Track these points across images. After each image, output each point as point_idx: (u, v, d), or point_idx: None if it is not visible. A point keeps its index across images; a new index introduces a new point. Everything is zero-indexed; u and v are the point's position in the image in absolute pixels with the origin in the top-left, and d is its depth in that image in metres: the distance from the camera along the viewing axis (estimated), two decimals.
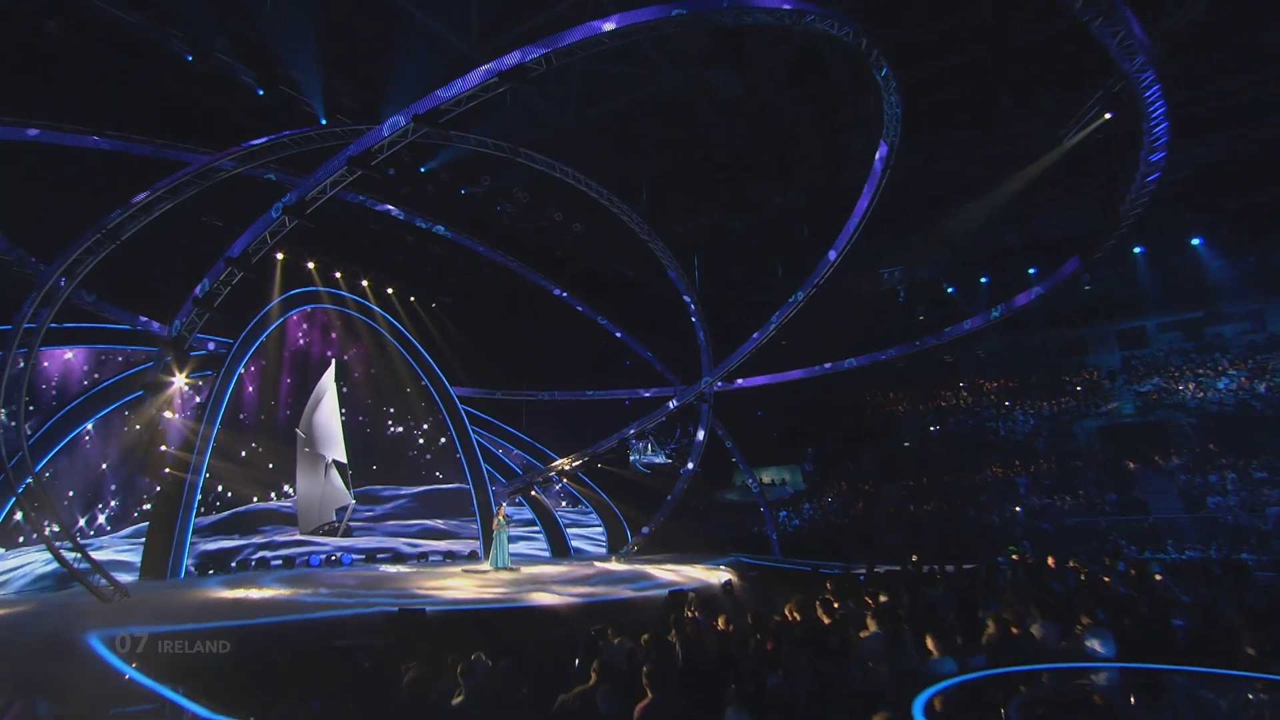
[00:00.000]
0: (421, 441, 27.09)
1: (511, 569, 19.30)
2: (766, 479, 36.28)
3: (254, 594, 14.70)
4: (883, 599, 11.64)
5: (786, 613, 11.58)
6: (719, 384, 25.69)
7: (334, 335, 25.37)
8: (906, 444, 35.59)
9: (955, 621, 9.78)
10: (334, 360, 24.60)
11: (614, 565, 20.79)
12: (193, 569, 19.12)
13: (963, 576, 15.09)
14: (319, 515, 23.66)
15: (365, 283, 25.55)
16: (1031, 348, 36.07)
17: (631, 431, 25.55)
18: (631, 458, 34.17)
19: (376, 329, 25.79)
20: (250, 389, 22.79)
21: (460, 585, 16.12)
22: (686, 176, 24.39)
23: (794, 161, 24.03)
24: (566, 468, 26.08)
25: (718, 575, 18.82)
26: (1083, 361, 34.70)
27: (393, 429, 26.54)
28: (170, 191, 12.30)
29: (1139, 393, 30.60)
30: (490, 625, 12.89)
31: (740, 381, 26.22)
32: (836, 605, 11.27)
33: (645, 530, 26.25)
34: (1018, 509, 27.60)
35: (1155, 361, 32.11)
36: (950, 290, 29.40)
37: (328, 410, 24.24)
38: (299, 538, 23.63)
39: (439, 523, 26.25)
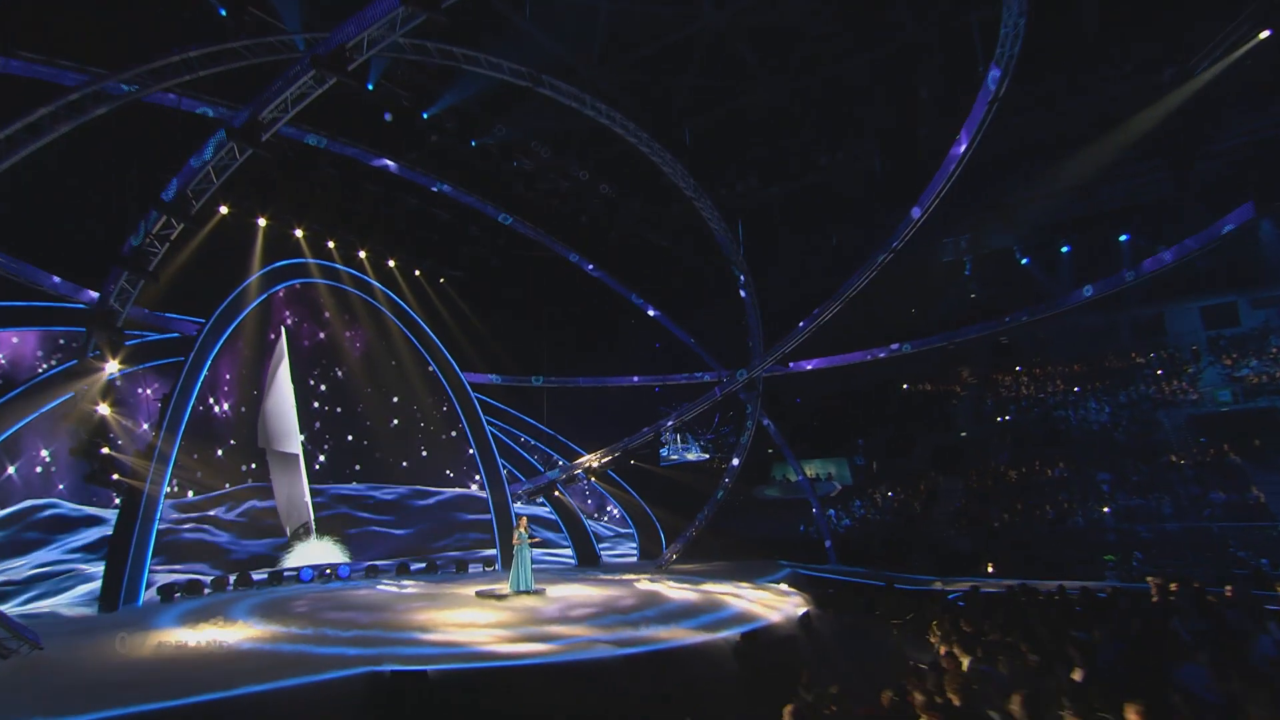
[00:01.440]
0: (430, 435, 23.68)
1: (535, 592, 15.87)
2: (810, 473, 32.66)
3: (211, 635, 11.34)
4: (1030, 655, 8.23)
5: (912, 690, 8.22)
6: (771, 367, 22.13)
7: (327, 315, 21.92)
8: (964, 434, 31.80)
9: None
10: (284, 329, 21.02)
11: (662, 586, 17.34)
12: (156, 596, 15.79)
13: (1126, 609, 11.48)
14: (292, 515, 20.34)
15: (363, 254, 22.06)
16: (1099, 328, 32.26)
17: (670, 423, 22.15)
18: (664, 453, 30.70)
19: (377, 307, 22.31)
20: (228, 377, 19.40)
21: (474, 621, 12.69)
22: (725, 135, 20.85)
23: (852, 115, 20.47)
24: (595, 465, 22.63)
25: (782, 600, 15.34)
26: (1160, 342, 30.88)
27: (396, 421, 23.12)
28: (58, 116, 8.77)
29: (1235, 377, 26.81)
30: (514, 693, 9.47)
31: (799, 364, 22.62)
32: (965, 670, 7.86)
33: (685, 537, 22.74)
34: (1105, 509, 23.94)
35: (1249, 341, 28.28)
36: (1025, 261, 25.61)
37: (281, 394, 20.81)
38: (289, 548, 20.30)
39: (449, 527, 22.88)
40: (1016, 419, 31.15)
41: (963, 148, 15.38)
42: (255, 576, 18.57)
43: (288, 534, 20.39)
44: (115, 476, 13.31)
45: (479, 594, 16.00)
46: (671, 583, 18.06)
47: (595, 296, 25.00)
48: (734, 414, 33.17)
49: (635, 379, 25.46)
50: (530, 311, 25.91)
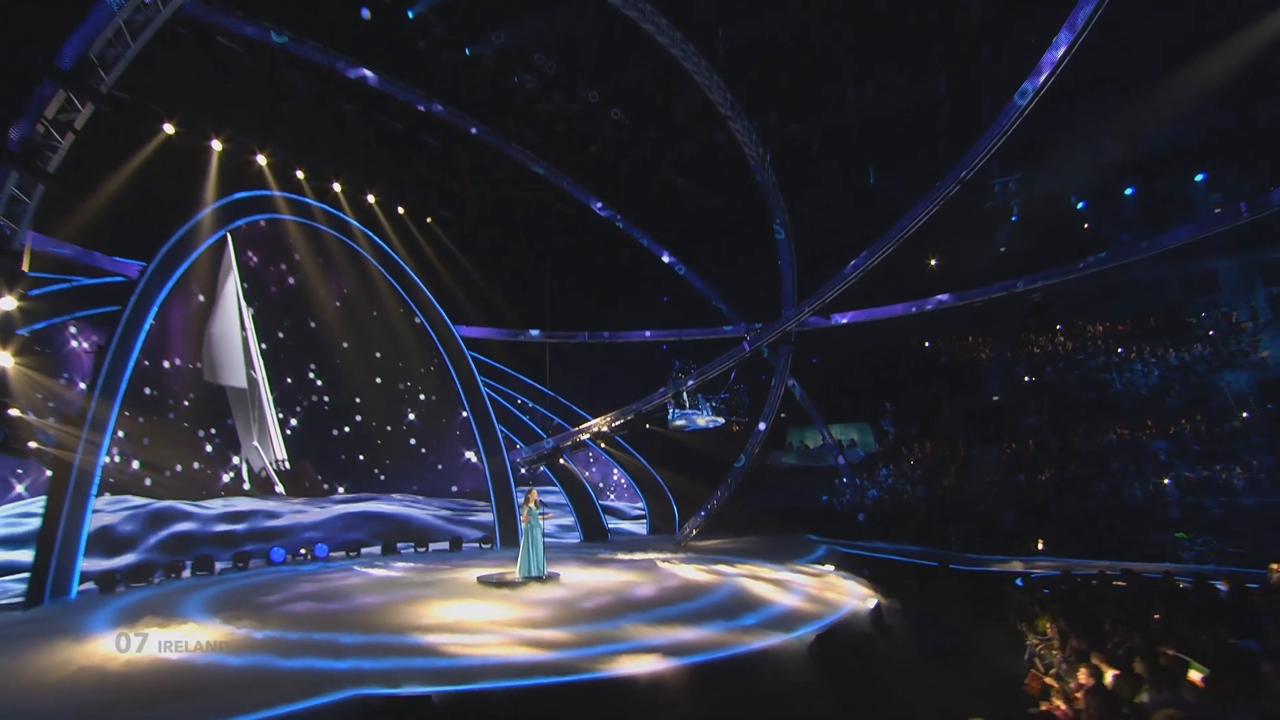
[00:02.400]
0: (418, 395, 21.31)
1: (548, 578, 13.72)
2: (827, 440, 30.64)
3: (150, 642, 9.06)
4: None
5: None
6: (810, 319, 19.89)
7: (297, 258, 19.33)
8: (996, 398, 29.68)
9: None
10: (229, 235, 18.42)
11: (692, 570, 15.27)
12: (94, 586, 13.44)
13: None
14: (253, 461, 18.13)
15: (338, 187, 19.37)
16: (1143, 284, 30.06)
17: (690, 383, 19.84)
18: (672, 418, 28.37)
19: (356, 249, 19.72)
20: (178, 328, 16.86)
21: (481, 619, 10.49)
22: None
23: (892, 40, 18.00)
24: (605, 428, 20.43)
25: (838, 586, 13.29)
26: (1214, 299, 28.76)
27: (379, 379, 20.69)
28: None
29: None
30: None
31: (835, 317, 20.38)
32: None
33: (705, 510, 20.73)
34: (1165, 482, 22.05)
35: None
36: (1080, 206, 23.35)
37: (227, 317, 18.36)
38: (259, 524, 18.01)
39: (441, 499, 20.66)
40: (1054, 382, 29.12)
41: (1058, 51, 13.02)
42: (218, 561, 16.29)
43: (246, 481, 18.16)
44: (33, 445, 10.87)
45: (482, 581, 13.83)
46: (699, 565, 16.02)
47: (605, 242, 22.52)
48: (748, 375, 30.97)
49: (647, 333, 23.12)
50: (531, 259, 23.33)
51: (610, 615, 10.77)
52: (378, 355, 20.46)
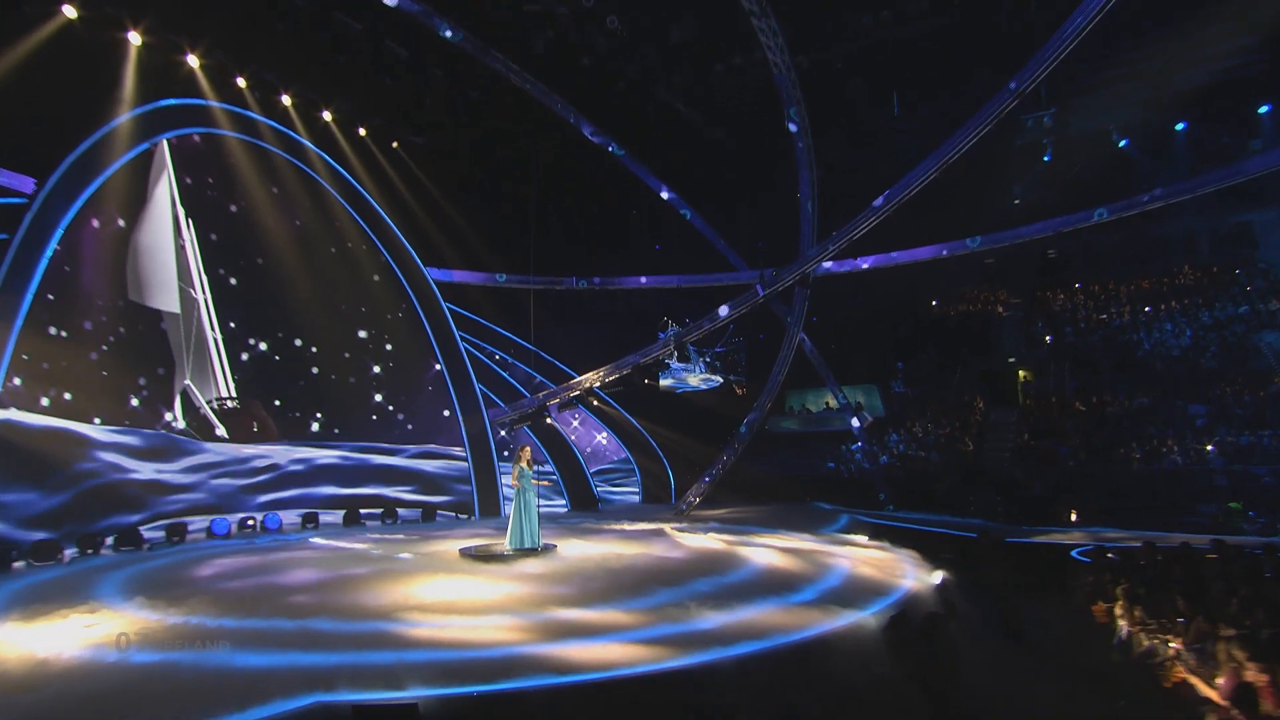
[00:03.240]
0: (383, 345, 19.34)
1: (543, 550, 12.02)
2: (833, 403, 29.27)
3: (52, 635, 7.20)
4: None
5: None
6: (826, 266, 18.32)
7: (241, 184, 17.13)
8: (1011, 360, 28.43)
9: None
10: (166, 149, 16.26)
11: (709, 540, 13.71)
12: None
13: None
14: (190, 400, 16.23)
15: (288, 100, 17.10)
16: (1169, 240, 29.13)
17: (695, 334, 18.30)
18: (661, 377, 26.64)
19: (312, 176, 17.57)
20: (92, 260, 14.66)
21: (469, 600, 8.75)
22: None
23: None
24: (597, 384, 18.74)
25: (887, 558, 11.79)
26: (1249, 256, 27.76)
27: (341, 330, 18.68)
28: None
29: None
30: None
31: (853, 262, 18.87)
32: None
33: (710, 475, 19.47)
34: (1209, 448, 21.03)
35: None
36: (1123, 144, 21.89)
37: (158, 227, 16.23)
38: (198, 495, 16.02)
39: (412, 463, 18.81)
40: (1075, 342, 28.08)
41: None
42: (147, 532, 14.29)
43: (180, 420, 16.16)
44: None
45: (465, 554, 12.06)
46: (717, 534, 14.48)
47: (597, 175, 20.61)
48: (744, 330, 29.43)
49: (643, 279, 21.35)
50: (514, 193, 21.30)
51: (635, 592, 9.09)
52: (337, 299, 18.34)
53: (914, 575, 10.33)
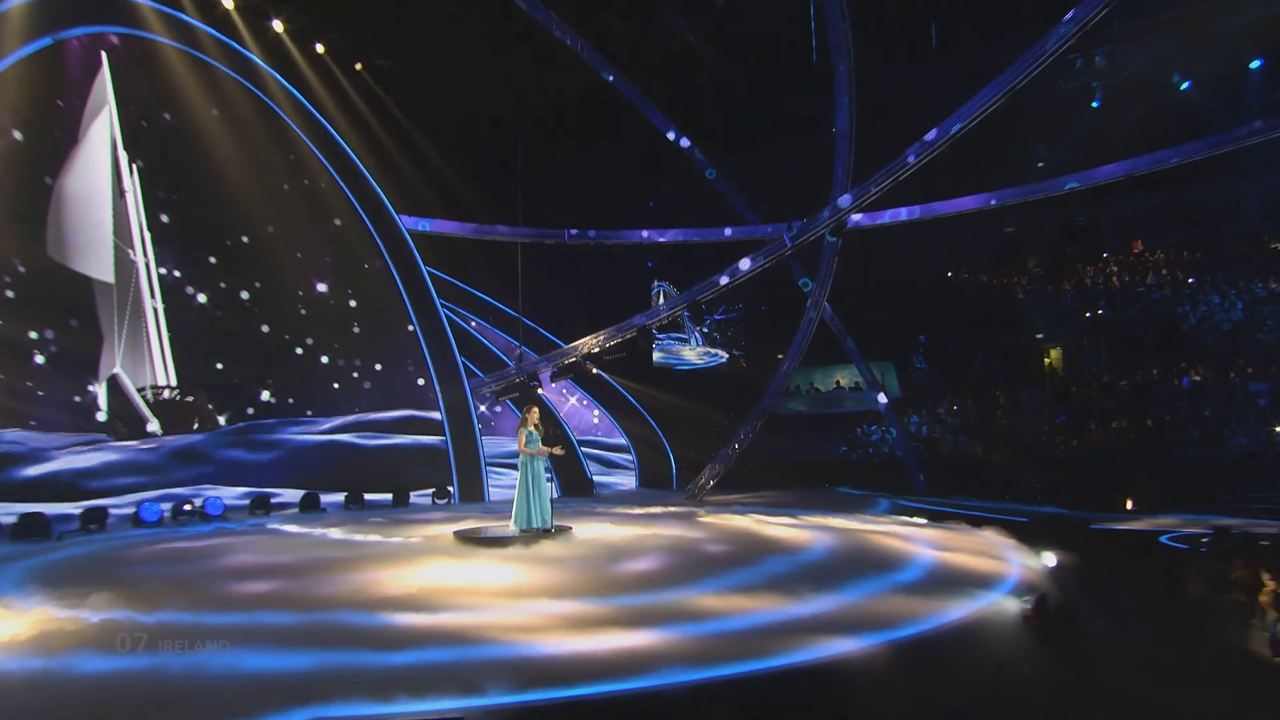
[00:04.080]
0: (349, 302, 17.67)
1: (558, 532, 10.61)
2: (844, 381, 28.41)
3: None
4: None
5: None
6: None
7: (175, 101, 15.29)
8: (1040, 336, 27.89)
9: None
10: (105, 54, 14.58)
11: (749, 520, 12.61)
12: None
13: None
14: (117, 391, 14.52)
15: (230, 3, 15.27)
16: (1211, 206, 28.61)
17: (709, 295, 16.98)
18: (658, 351, 25.36)
19: (266, 102, 15.78)
20: None
21: (494, 589, 7.30)
22: None
23: None
24: (596, 348, 17.30)
25: (979, 540, 10.62)
26: None
27: (297, 282, 17.00)
28: None
29: None
30: None
31: (893, 213, 17.74)
32: None
33: (725, 455, 18.98)
34: (1278, 429, 20.42)
35: None
36: (1185, 86, 20.95)
37: (91, 175, 14.48)
38: (124, 477, 14.29)
39: (380, 440, 17.25)
40: (1110, 317, 27.45)
41: None
42: (55, 519, 12.50)
43: (103, 411, 14.39)
44: None
45: (462, 537, 10.57)
46: (759, 515, 13.35)
47: (595, 111, 19.17)
48: (744, 296, 28.39)
49: (644, 233, 19.91)
50: (498, 130, 19.66)
51: (700, 575, 7.82)
52: (292, 246, 16.63)
53: (1017, 559, 9.06)
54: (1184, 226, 28.75)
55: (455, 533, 10.86)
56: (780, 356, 31.25)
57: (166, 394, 15.51)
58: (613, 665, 4.94)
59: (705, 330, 27.24)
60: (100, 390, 14.73)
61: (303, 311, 17.04)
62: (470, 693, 4.43)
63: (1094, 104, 22.20)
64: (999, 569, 8.39)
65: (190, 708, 4.30)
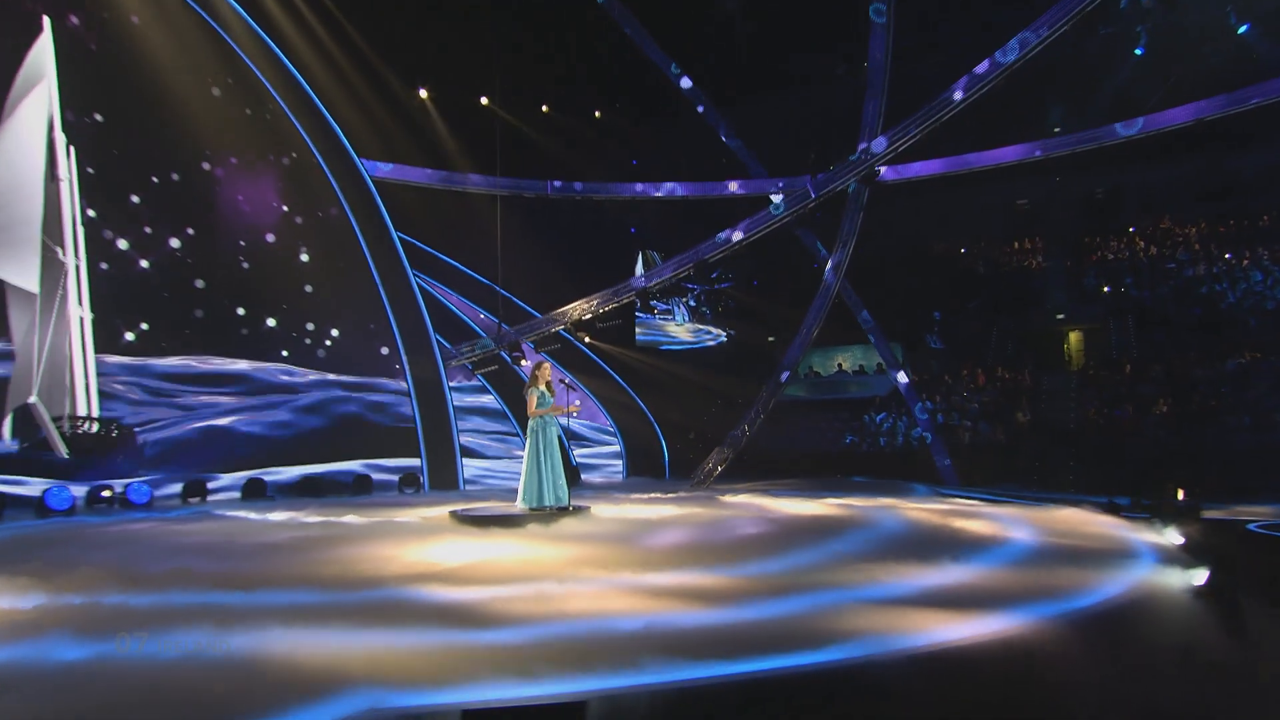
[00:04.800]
0: (300, 256, 16.69)
1: (575, 510, 9.97)
2: (846, 364, 28.58)
3: None
4: None
5: None
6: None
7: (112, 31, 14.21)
8: (1061, 316, 28.24)
9: None
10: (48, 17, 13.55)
11: (784, 503, 12.05)
12: None
13: None
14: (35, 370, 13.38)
15: None
16: (1246, 175, 28.96)
17: (720, 252, 16.35)
18: (639, 327, 24.69)
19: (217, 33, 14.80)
20: None
21: (528, 560, 6.67)
22: None
23: None
24: (587, 315, 16.65)
25: (1036, 512, 10.53)
26: None
27: (239, 231, 15.99)
28: None
29: None
30: None
31: (920, 166, 17.35)
32: None
33: (735, 437, 18.99)
34: None
35: None
36: (1243, 29, 20.89)
37: (20, 149, 13.40)
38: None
39: (336, 418, 16.35)
40: (1138, 295, 27.70)
41: None
42: None
43: (7, 435, 13.25)
44: None
45: (460, 517, 9.87)
46: (794, 498, 12.99)
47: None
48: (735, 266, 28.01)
49: (638, 187, 19.30)
50: (470, 64, 18.83)
51: (764, 553, 7.17)
52: (233, 188, 15.64)
53: (1133, 535, 8.62)
54: (1215, 198, 29.01)
55: (452, 513, 10.10)
56: (772, 340, 31.31)
57: (84, 426, 14.30)
58: (776, 636, 4.41)
59: (693, 303, 26.63)
60: (6, 424, 13.54)
61: (245, 265, 15.96)
62: (627, 669, 3.82)
63: (1138, 50, 22.03)
64: (1120, 544, 7.91)
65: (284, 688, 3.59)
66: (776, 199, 16.97)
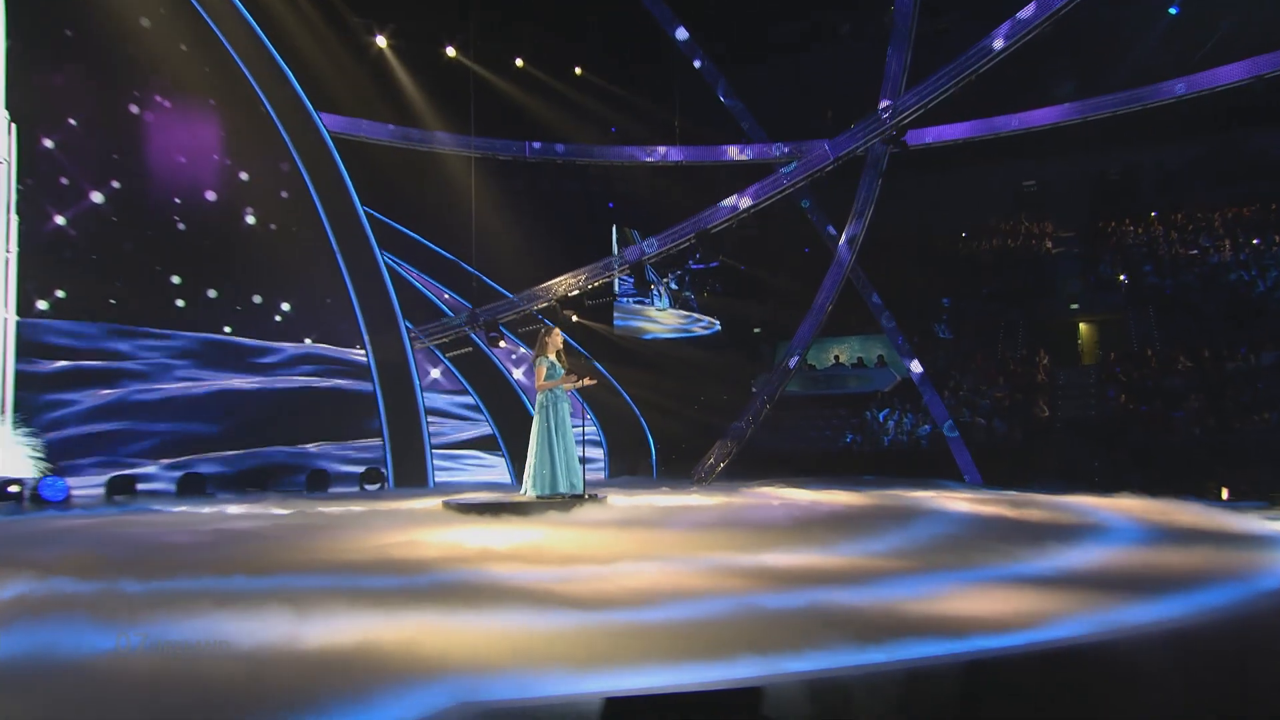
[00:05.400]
0: (249, 220, 15.93)
1: (590, 500, 9.47)
2: (843, 357, 28.65)
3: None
4: None
5: None
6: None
7: None
8: (1075, 306, 28.64)
9: None
10: None
11: (836, 495, 11.71)
12: None
13: None
14: None
15: None
16: (1275, 153, 29.44)
17: (716, 223, 15.99)
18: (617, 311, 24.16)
19: None
20: None
21: (601, 543, 6.29)
22: None
23: None
24: (575, 290, 16.28)
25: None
26: None
27: (174, 188, 15.24)
28: None
29: None
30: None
31: (946, 130, 17.22)
32: None
33: (737, 430, 18.90)
34: None
35: None
36: None
37: None
38: None
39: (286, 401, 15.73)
40: (1160, 284, 27.96)
41: None
42: None
43: None
44: None
45: (456, 508, 9.33)
46: (816, 490, 12.85)
47: None
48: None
49: (627, 150, 19.01)
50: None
51: (845, 536, 6.82)
52: (169, 141, 14.92)
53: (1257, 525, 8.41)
54: (1230, 182, 29.30)
55: (446, 503, 9.56)
56: (758, 330, 31.06)
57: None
58: (963, 615, 4.11)
59: (675, 286, 25.96)
60: None
61: (181, 226, 15.19)
62: (810, 650, 3.46)
63: (1171, 10, 22.16)
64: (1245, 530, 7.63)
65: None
66: (773, 182, 16.69)
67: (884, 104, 16.21)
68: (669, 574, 5.01)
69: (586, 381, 9.96)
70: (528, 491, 9.41)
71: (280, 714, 2.78)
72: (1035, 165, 30.50)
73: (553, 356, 9.70)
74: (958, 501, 10.23)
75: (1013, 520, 8.39)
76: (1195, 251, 28.36)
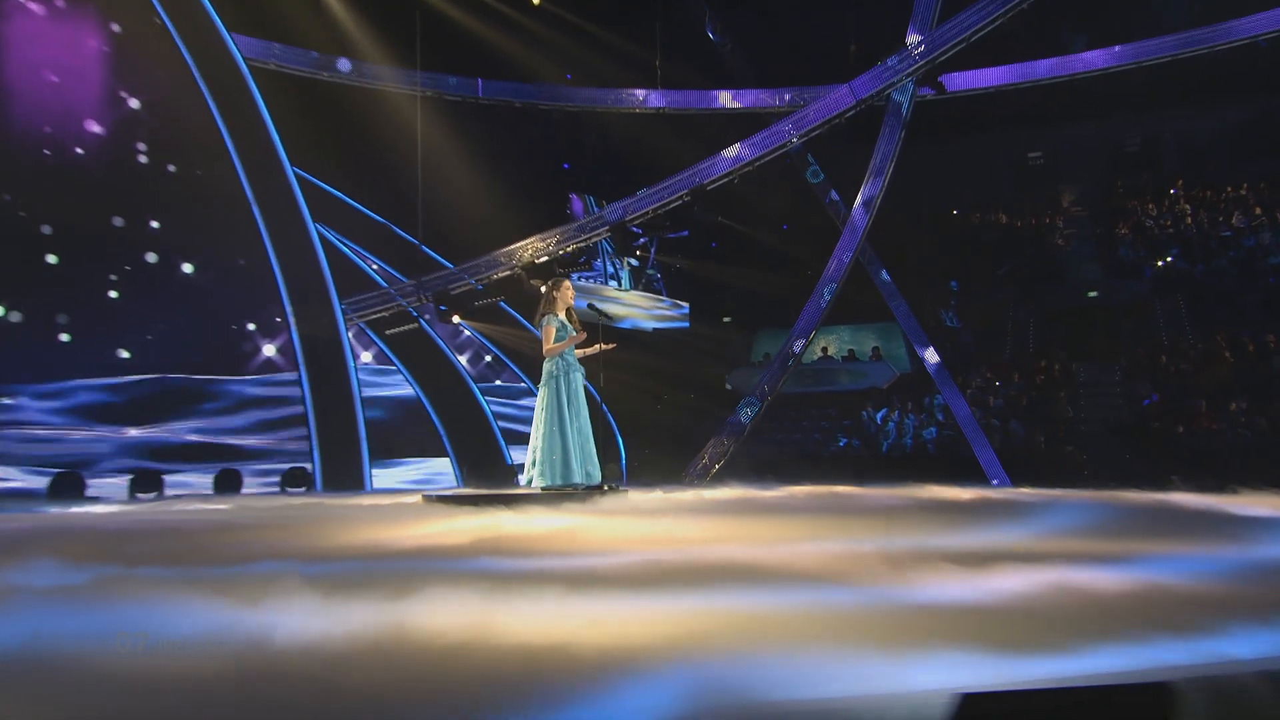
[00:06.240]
0: (140, 158, 14.85)
1: (611, 490, 8.98)
2: (831, 350, 28.89)
3: None
4: None
5: None
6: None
7: None
8: (1093, 294, 29.19)
9: None
10: None
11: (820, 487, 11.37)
12: None
13: None
14: None
15: None
16: None
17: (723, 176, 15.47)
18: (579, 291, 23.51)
19: None
20: None
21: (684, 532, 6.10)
22: None
23: None
24: (543, 256, 15.51)
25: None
26: None
27: (60, 125, 14.22)
28: None
29: None
30: None
31: (977, 75, 16.89)
32: None
33: (734, 425, 18.60)
34: None
35: None
36: None
37: None
38: None
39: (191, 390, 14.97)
40: (1189, 269, 28.33)
41: None
42: None
43: None
44: None
45: (436, 500, 8.88)
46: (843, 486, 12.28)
47: None
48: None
49: (599, 93, 18.21)
50: None
51: (957, 527, 6.66)
52: (28, 49, 13.91)
53: None
54: (1259, 156, 29.61)
55: (425, 495, 8.89)
56: (728, 320, 30.74)
57: None
58: None
59: (636, 263, 25.28)
60: None
61: (53, 165, 14.14)
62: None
63: None
64: None
65: None
66: (785, 130, 16.21)
67: (914, 37, 15.71)
68: (869, 555, 4.64)
69: (605, 346, 9.18)
70: (532, 482, 8.68)
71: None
72: (1042, 133, 30.89)
73: (563, 315, 9.05)
74: (1050, 496, 9.81)
75: (1121, 510, 8.16)
76: (1228, 233, 28.85)
